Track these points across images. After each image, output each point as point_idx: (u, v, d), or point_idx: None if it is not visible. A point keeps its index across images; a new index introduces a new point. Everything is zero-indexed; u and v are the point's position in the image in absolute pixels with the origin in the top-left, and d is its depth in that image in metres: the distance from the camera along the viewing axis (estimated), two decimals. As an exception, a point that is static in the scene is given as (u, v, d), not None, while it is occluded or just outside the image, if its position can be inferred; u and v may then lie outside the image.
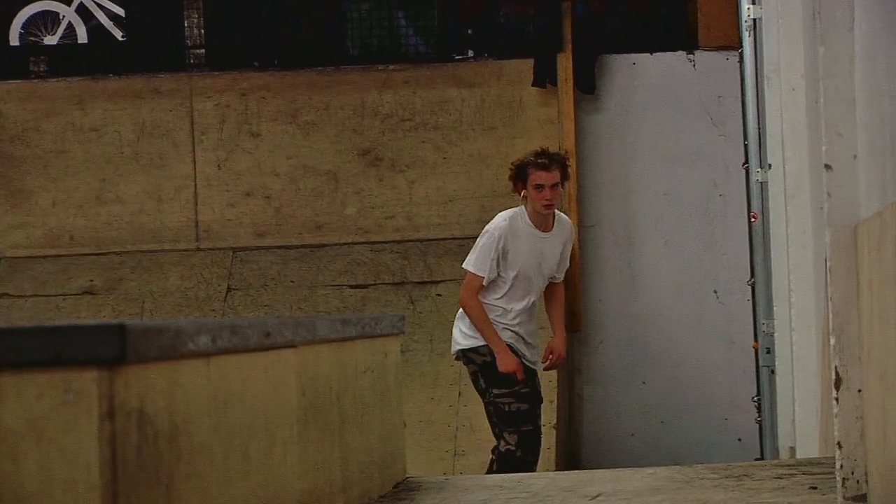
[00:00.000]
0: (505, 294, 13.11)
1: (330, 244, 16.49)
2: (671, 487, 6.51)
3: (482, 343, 12.88)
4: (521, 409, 12.77)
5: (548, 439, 15.71)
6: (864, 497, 5.15)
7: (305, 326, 5.61)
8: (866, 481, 5.14)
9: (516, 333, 13.02)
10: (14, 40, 17.57)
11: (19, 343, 3.72)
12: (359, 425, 6.24)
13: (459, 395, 15.90)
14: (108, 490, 3.64)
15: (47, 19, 17.60)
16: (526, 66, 17.33)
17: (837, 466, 5.34)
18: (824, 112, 5.43)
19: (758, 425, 16.39)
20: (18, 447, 3.63)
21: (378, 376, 6.82)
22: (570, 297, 17.00)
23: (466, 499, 6.54)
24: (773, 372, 14.90)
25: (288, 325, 5.35)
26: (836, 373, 5.27)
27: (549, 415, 15.97)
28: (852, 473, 5.21)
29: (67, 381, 3.65)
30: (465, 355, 13.08)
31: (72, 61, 17.57)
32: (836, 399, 5.27)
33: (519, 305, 13.04)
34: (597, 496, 6.34)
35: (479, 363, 12.93)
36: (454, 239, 16.63)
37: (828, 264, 5.58)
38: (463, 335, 13.11)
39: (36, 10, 17.57)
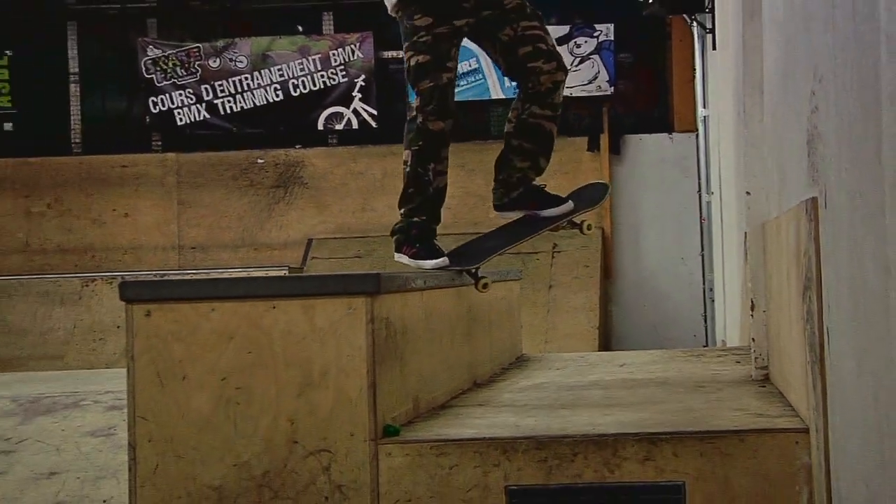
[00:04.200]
0: None
1: (481, 233, 16.46)
2: (662, 360, 6.42)
3: None
4: None
5: (594, 336, 15.70)
6: (766, 367, 5.04)
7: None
8: (767, 360, 5.03)
9: None
10: (320, 126, 17.63)
11: (326, 283, 3.69)
12: (498, 327, 6.18)
13: (548, 311, 15.82)
14: (370, 360, 3.60)
15: (337, 116, 17.64)
16: (583, 141, 17.22)
17: (752, 351, 5.24)
18: (745, 165, 5.34)
19: (704, 328, 16.30)
20: (323, 337, 3.59)
21: (507, 301, 6.76)
22: (606, 263, 16.96)
23: (552, 365, 6.48)
24: (712, 300, 14.81)
25: (462, 274, 5.32)
26: (752, 301, 5.17)
27: (592, 321, 15.94)
28: (760, 355, 5.10)
29: (349, 302, 3.61)
30: None
31: (349, 137, 17.63)
32: (752, 315, 5.17)
33: None
34: (623, 364, 6.26)
35: None
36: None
37: (746, 244, 5.49)
38: None
39: (330, 111, 17.61)
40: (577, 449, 3.50)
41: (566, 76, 5.17)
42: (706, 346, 15.04)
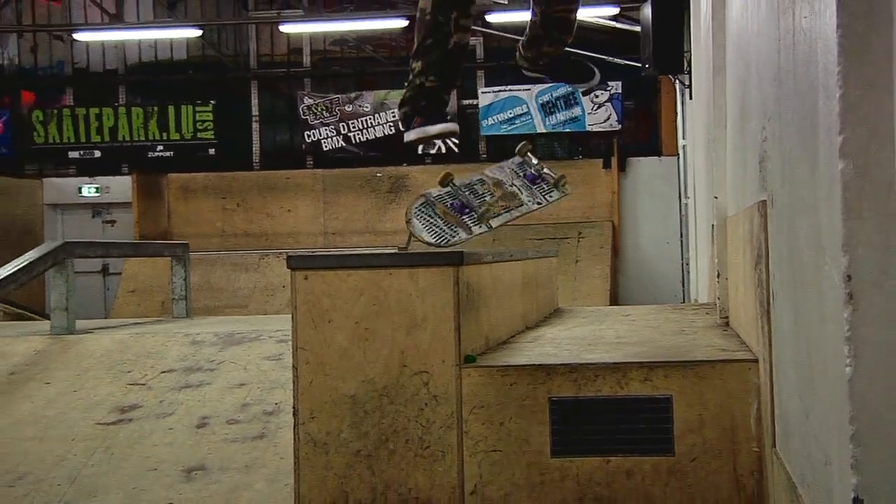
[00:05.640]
0: None
1: (530, 224, 16.32)
2: (654, 312, 6.33)
3: None
4: None
5: (606, 295, 15.57)
6: (727, 317, 4.96)
7: (523, 252, 5.52)
8: (728, 312, 4.95)
9: None
10: (419, 151, 17.52)
11: (425, 258, 3.68)
12: (542, 288, 6.12)
13: (575, 278, 15.70)
14: (456, 310, 3.58)
15: (431, 144, 17.56)
16: (600, 161, 17.05)
17: (717, 306, 5.15)
18: (714, 178, 5.24)
19: (682, 290, 16.08)
20: (423, 294, 3.59)
21: (548, 270, 6.68)
22: (615, 245, 16.77)
23: (579, 315, 6.38)
24: (688, 271, 14.59)
25: (518, 252, 5.26)
26: (717, 271, 5.08)
27: (605, 285, 15.80)
28: (723, 309, 5.02)
29: (441, 271, 3.60)
30: None
31: (440, 159, 17.52)
32: (717, 281, 5.08)
33: None
34: (627, 315, 6.18)
35: None
36: (568, 223, 16.40)
37: (714, 233, 5.39)
38: None
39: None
40: (597, 372, 3.48)
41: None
42: (684, 302, 14.86)
